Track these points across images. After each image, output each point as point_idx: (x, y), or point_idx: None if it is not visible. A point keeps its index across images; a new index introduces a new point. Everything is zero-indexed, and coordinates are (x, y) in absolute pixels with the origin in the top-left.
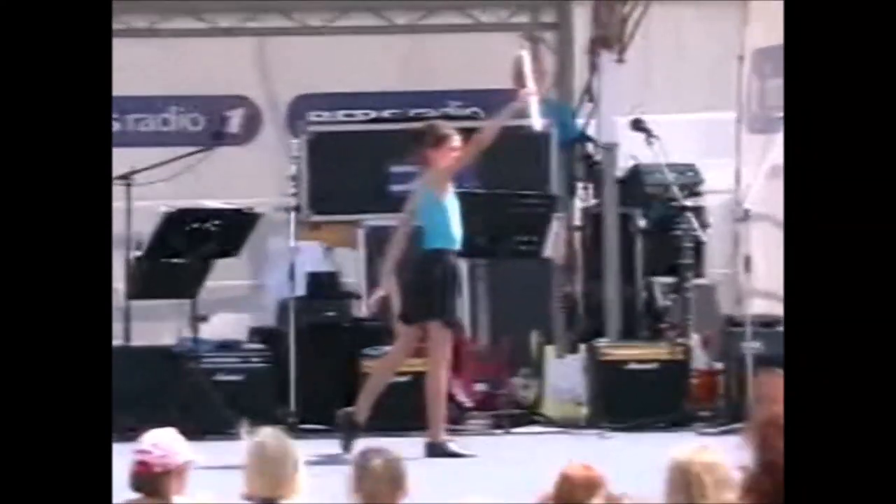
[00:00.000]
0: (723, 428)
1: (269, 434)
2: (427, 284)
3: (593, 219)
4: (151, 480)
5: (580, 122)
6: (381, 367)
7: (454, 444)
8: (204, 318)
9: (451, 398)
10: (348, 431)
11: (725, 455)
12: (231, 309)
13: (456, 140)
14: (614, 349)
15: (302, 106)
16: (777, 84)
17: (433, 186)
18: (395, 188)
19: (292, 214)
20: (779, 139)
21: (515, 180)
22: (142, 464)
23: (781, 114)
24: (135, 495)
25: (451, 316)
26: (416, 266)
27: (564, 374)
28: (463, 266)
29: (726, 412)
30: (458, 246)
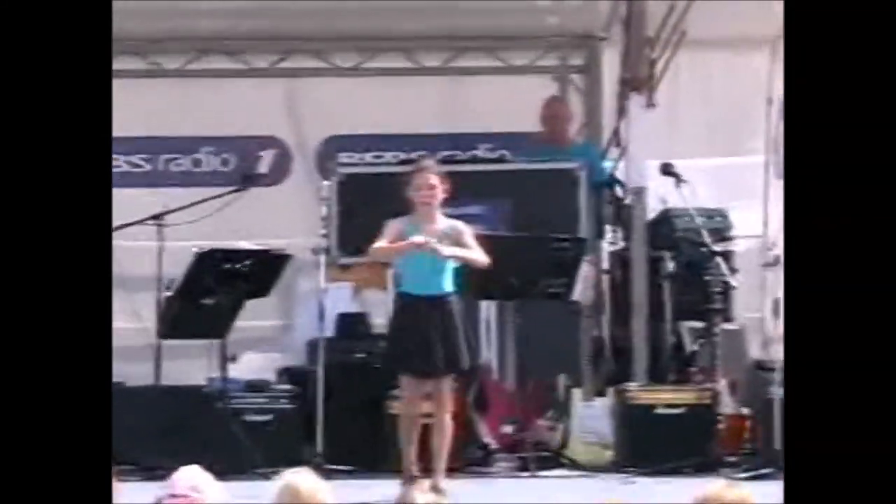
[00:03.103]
0: (750, 473)
1: (300, 475)
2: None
3: (622, 262)
4: None
5: (609, 165)
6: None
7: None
8: (233, 358)
9: (476, 440)
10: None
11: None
12: (260, 349)
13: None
14: (642, 393)
15: (332, 147)
16: None
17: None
18: None
19: (322, 256)
20: None
21: (544, 223)
22: None
23: None
24: None
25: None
26: (394, 312)
27: (591, 417)
28: (492, 308)
29: (753, 457)
30: (434, 291)
